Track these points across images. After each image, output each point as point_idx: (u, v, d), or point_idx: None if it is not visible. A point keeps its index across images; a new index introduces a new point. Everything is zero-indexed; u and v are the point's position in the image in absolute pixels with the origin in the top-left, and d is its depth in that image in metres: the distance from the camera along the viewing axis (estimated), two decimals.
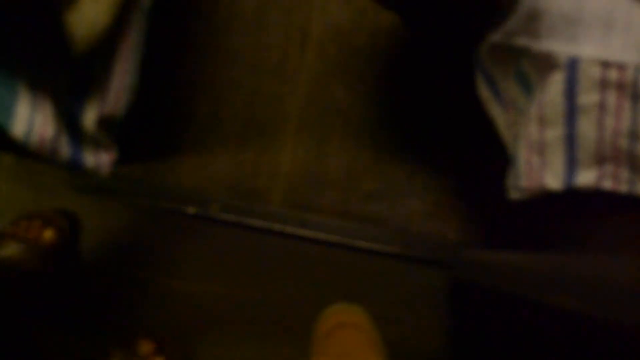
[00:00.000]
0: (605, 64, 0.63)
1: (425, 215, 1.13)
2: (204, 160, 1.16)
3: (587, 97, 0.64)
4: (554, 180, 0.68)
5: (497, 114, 0.80)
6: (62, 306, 1.16)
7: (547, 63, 0.67)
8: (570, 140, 0.67)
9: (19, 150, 0.78)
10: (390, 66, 1.15)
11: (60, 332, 1.15)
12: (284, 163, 1.16)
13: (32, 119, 0.75)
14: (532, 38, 0.68)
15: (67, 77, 0.77)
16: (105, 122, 0.83)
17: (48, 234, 1.15)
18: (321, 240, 1.13)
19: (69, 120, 0.79)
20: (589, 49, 0.64)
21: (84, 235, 1.18)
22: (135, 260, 1.17)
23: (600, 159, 0.65)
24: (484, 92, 0.81)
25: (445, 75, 1.13)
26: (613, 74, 0.63)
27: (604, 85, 0.64)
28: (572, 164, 0.67)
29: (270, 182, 1.16)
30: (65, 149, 0.81)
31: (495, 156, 0.82)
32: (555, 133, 0.67)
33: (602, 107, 0.64)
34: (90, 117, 0.80)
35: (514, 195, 0.74)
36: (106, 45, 0.75)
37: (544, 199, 0.71)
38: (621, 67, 0.63)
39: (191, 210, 1.13)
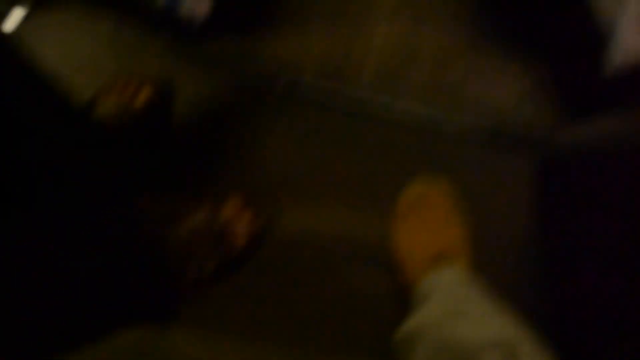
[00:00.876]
0: None
1: (519, 98, 1.14)
2: (299, 35, 1.18)
3: None
4: None
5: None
6: (152, 165, 1.22)
7: None
8: None
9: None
10: None
11: (150, 189, 1.20)
12: (378, 39, 1.17)
13: None
14: None
15: None
16: None
17: (143, 96, 1.18)
18: (407, 125, 1.16)
19: None
20: None
21: (178, 102, 1.22)
22: (224, 127, 1.21)
23: None
24: None
25: None
26: None
27: None
28: None
29: (362, 58, 1.17)
30: None
31: (592, 41, 0.82)
32: None
33: None
34: None
35: (609, 70, 0.75)
36: None
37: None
38: None
39: (281, 86, 1.15)
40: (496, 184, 1.14)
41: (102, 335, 1.00)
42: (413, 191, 1.07)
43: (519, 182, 1.14)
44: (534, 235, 1.12)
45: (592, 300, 1.05)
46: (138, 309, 1.10)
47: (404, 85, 1.16)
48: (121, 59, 1.23)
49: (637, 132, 0.99)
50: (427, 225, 1.04)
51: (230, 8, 1.18)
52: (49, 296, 0.84)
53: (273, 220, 1.17)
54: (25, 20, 1.25)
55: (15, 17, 1.24)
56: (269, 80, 1.18)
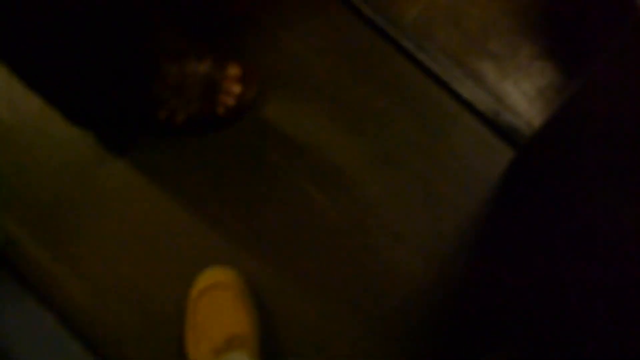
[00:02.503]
0: None
1: (526, 96, 1.20)
2: None
3: None
4: None
5: None
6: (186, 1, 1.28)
7: None
8: None
9: None
10: None
11: (172, 19, 1.26)
12: None
13: None
14: None
15: None
16: None
17: None
18: (427, 69, 1.21)
19: None
20: None
21: None
22: (268, 3, 1.27)
23: None
24: None
25: None
26: None
27: None
28: None
29: (410, 3, 1.24)
30: None
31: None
32: None
33: None
34: None
35: None
36: None
37: None
38: None
39: None
40: (477, 156, 1.19)
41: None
42: (204, 278, 1.10)
43: (496, 163, 1.19)
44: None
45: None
46: (106, 111, 1.13)
47: (437, 40, 1.23)
48: None
49: None
50: (217, 311, 1.07)
51: None
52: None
53: (257, 103, 1.22)
54: None
55: None
56: None
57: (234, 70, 1.20)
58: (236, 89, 1.20)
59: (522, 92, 1.20)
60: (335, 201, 1.17)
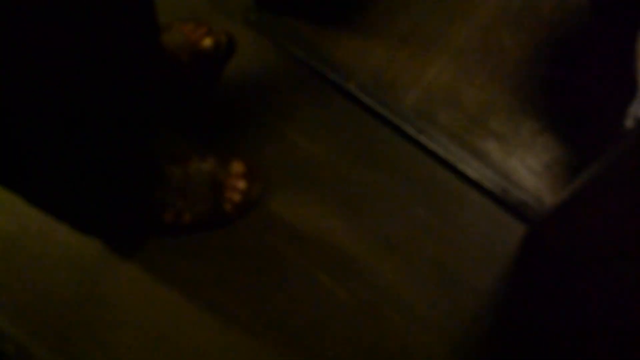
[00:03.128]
0: None
1: (532, 172, 1.20)
2: (366, 43, 1.27)
3: None
4: None
5: None
6: (186, 103, 1.29)
7: None
8: None
9: None
10: (561, 33, 1.23)
11: (173, 122, 1.27)
12: (430, 74, 1.25)
13: None
14: None
15: None
16: None
17: (207, 42, 1.27)
18: (432, 152, 1.21)
19: None
20: None
21: (235, 60, 1.30)
22: (265, 99, 1.28)
23: None
24: None
25: (604, 55, 1.21)
26: None
27: None
28: None
29: (411, 84, 1.25)
30: None
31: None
32: None
33: None
34: None
35: (629, 124, 0.80)
36: None
37: None
38: None
39: (344, 82, 1.25)
40: (487, 234, 1.17)
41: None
42: None
43: (507, 240, 1.17)
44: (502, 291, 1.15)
45: None
46: (111, 217, 1.13)
47: (438, 122, 1.23)
48: (205, 2, 1.34)
49: None
50: None
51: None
52: None
53: (263, 197, 1.22)
54: None
55: None
56: (325, 68, 1.26)
57: (237, 167, 1.21)
58: (241, 185, 1.20)
59: (528, 168, 1.20)
60: (348, 288, 1.15)
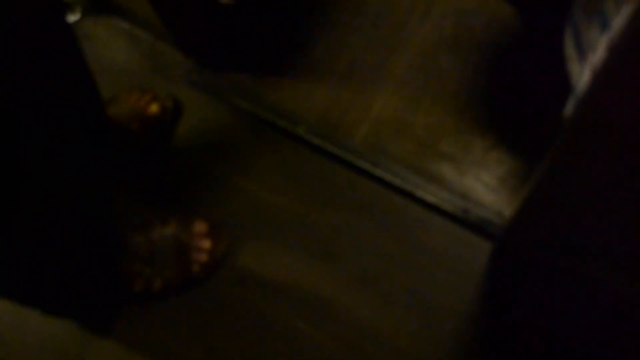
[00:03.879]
0: None
1: (489, 188, 1.21)
2: (309, 85, 1.29)
3: None
4: None
5: (575, 69, 0.87)
6: (141, 170, 1.30)
7: None
8: None
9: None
10: (496, 50, 1.26)
11: (129, 190, 1.28)
12: (376, 107, 1.27)
13: None
14: None
15: None
16: None
17: (154, 108, 1.29)
18: (388, 183, 1.22)
19: None
20: None
21: (183, 121, 1.32)
22: (218, 155, 1.30)
23: None
24: (569, 49, 0.89)
25: (538, 64, 1.24)
26: None
27: None
28: None
29: (358, 119, 1.27)
30: None
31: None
32: None
33: None
34: None
35: (567, 111, 0.81)
36: None
37: None
38: None
39: (293, 128, 1.26)
40: (455, 255, 1.18)
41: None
42: None
43: (475, 258, 1.18)
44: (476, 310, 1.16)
45: None
46: (80, 296, 1.13)
47: (391, 153, 1.25)
48: (147, 70, 1.35)
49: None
50: None
51: (251, 44, 1.34)
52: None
53: (230, 253, 1.22)
54: (75, 25, 1.39)
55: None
56: (273, 118, 1.28)
57: (200, 227, 1.21)
58: (206, 244, 1.20)
59: (484, 185, 1.21)
60: (328, 331, 1.15)
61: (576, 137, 0.72)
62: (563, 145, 0.75)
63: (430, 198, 1.21)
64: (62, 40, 0.96)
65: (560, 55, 0.99)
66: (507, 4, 1.27)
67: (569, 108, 0.84)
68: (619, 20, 0.74)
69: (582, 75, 0.80)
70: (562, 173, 0.81)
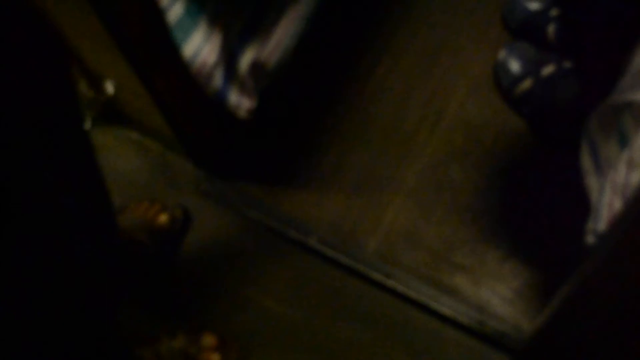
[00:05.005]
0: None
1: (505, 300, 1.19)
2: (320, 195, 1.29)
3: None
4: None
5: (593, 183, 0.87)
6: (148, 281, 1.28)
7: None
8: None
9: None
10: (507, 160, 1.26)
11: (136, 302, 1.25)
12: (387, 218, 1.26)
13: (201, 46, 0.93)
14: (636, 91, 0.75)
15: (243, 20, 0.94)
16: (256, 69, 0.99)
17: (162, 219, 1.28)
18: (402, 295, 1.20)
19: (228, 57, 0.95)
20: None
21: (192, 231, 1.31)
22: (227, 267, 1.28)
23: None
24: (586, 162, 0.88)
25: (552, 174, 1.25)
26: None
27: None
28: None
29: (371, 230, 1.25)
30: (217, 80, 0.97)
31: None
32: None
33: None
34: (247, 59, 0.97)
35: (589, 240, 0.80)
36: (280, 4, 0.92)
37: None
38: None
39: (304, 238, 1.25)
40: None
41: None
42: None
43: None
44: None
45: None
46: None
47: (404, 264, 1.23)
48: (156, 180, 1.35)
49: None
50: None
51: (262, 155, 1.35)
52: None
53: None
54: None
55: None
56: (284, 228, 1.27)
57: (209, 340, 1.18)
58: (215, 358, 1.17)
59: (500, 297, 1.19)
60: None
61: (609, 261, 0.70)
62: (595, 263, 0.73)
63: (445, 310, 1.18)
64: (79, 147, 0.96)
65: (574, 167, 0.99)
66: (517, 116, 1.29)
67: (591, 226, 0.82)
68: (639, 138, 0.74)
69: (603, 193, 0.80)
70: (590, 295, 0.79)
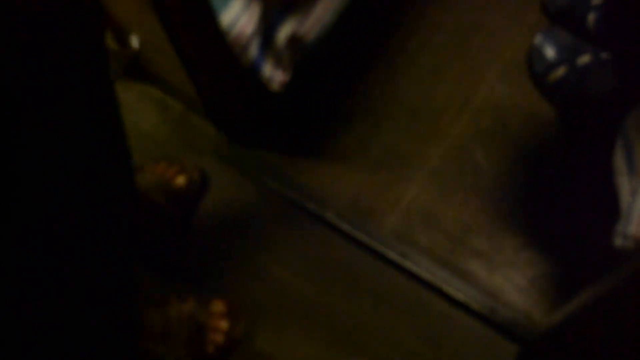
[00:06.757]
0: None
1: (518, 289, 1.18)
2: (341, 169, 1.28)
3: None
4: None
5: (623, 183, 0.85)
6: (161, 243, 1.27)
7: None
8: None
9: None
10: (533, 147, 1.24)
11: (149, 264, 1.25)
12: (408, 197, 1.24)
13: (239, 15, 0.91)
14: None
15: None
16: (293, 42, 0.97)
17: (180, 180, 1.27)
18: (416, 275, 1.19)
19: (266, 28, 0.93)
20: None
21: (209, 195, 1.29)
22: (241, 234, 1.27)
23: None
24: (619, 161, 0.87)
25: (580, 168, 1.23)
26: None
27: None
28: None
29: (389, 208, 1.24)
30: (253, 51, 0.95)
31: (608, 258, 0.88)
32: None
33: None
34: (285, 32, 0.95)
35: (618, 242, 0.78)
36: None
37: None
38: None
39: (321, 211, 1.24)
40: (477, 355, 1.14)
41: None
42: None
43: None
44: None
45: None
46: None
47: (420, 245, 1.22)
48: (176, 140, 1.34)
49: None
50: None
51: (285, 125, 1.33)
52: None
53: (247, 336, 1.18)
54: None
55: None
56: (302, 200, 1.26)
57: (218, 307, 1.17)
58: (223, 325, 1.16)
59: (514, 285, 1.18)
60: None
61: None
62: (630, 270, 0.72)
63: (457, 295, 1.17)
64: (106, 101, 0.94)
65: (602, 162, 0.97)
66: (547, 103, 1.26)
67: (621, 229, 0.81)
68: None
69: (636, 196, 0.78)
70: (620, 301, 0.77)
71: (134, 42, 1.35)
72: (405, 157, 1.28)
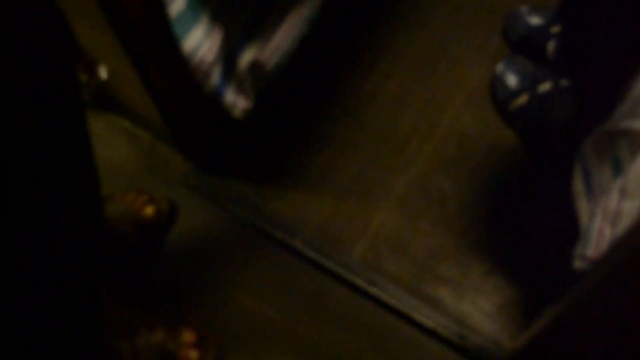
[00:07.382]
0: None
1: (486, 315, 1.19)
2: (308, 197, 1.29)
3: None
4: None
5: (582, 206, 0.87)
6: (130, 273, 1.26)
7: None
8: None
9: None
10: (498, 174, 1.26)
11: (116, 296, 1.23)
12: (375, 225, 1.25)
13: (201, 42, 0.93)
14: (634, 119, 0.75)
15: (246, 19, 0.94)
16: (255, 69, 0.98)
17: (149, 211, 1.27)
18: (384, 303, 1.19)
19: (228, 55, 0.94)
20: None
21: (178, 224, 1.30)
22: (210, 263, 1.27)
23: None
24: (578, 185, 0.88)
25: (542, 194, 1.25)
26: None
27: None
28: None
29: (357, 236, 1.25)
30: (215, 78, 0.96)
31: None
32: (633, 204, 0.71)
33: None
34: (246, 58, 0.97)
35: (578, 264, 0.79)
36: (282, 5, 0.91)
37: None
38: None
39: (289, 239, 1.24)
40: None
41: None
42: None
43: None
44: None
45: None
46: None
47: (388, 272, 1.23)
48: (144, 170, 1.34)
49: None
50: None
51: (252, 153, 1.34)
52: None
53: None
54: None
55: None
56: (269, 228, 1.26)
57: (188, 336, 1.17)
58: (193, 355, 1.15)
59: (482, 312, 1.19)
60: None
61: (600, 288, 0.70)
62: (586, 290, 0.73)
63: (426, 321, 1.18)
64: (77, 131, 0.94)
65: (564, 187, 0.99)
66: (511, 130, 1.29)
67: (579, 251, 0.82)
68: (633, 167, 0.74)
69: (594, 219, 0.79)
70: (578, 320, 0.78)
71: (102, 72, 1.35)
72: (372, 185, 1.29)
